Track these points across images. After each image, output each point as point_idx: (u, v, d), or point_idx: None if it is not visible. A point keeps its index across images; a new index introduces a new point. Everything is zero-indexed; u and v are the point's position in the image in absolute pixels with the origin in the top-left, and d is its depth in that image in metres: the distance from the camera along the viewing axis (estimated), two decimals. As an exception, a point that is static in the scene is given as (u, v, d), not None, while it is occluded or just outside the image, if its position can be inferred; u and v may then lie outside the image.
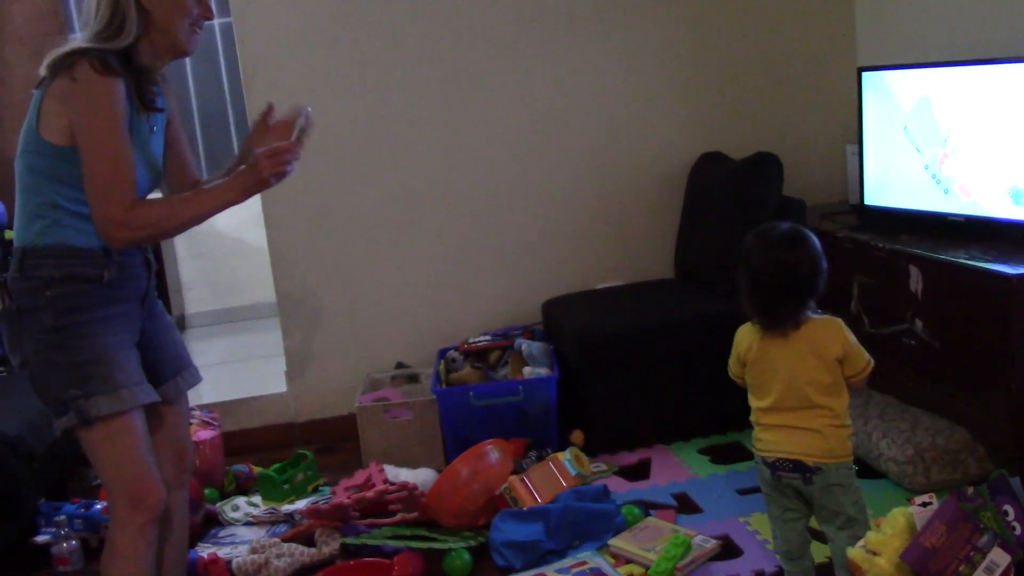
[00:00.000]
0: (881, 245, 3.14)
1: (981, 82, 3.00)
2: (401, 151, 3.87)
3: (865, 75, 3.43)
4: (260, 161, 2.15)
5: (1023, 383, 2.66)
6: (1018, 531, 2.01)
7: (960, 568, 1.97)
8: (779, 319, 2.26)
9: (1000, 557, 1.98)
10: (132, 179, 2.07)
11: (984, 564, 1.98)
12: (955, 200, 3.10)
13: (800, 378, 2.25)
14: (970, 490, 2.06)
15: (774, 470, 2.30)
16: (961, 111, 3.07)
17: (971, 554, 1.97)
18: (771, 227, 2.33)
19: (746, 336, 2.35)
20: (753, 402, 2.35)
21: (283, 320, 3.94)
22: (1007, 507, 2.02)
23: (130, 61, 2.12)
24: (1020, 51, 3.04)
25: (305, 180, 3.76)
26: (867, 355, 2.26)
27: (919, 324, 2.98)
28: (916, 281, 2.97)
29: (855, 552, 2.09)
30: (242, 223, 5.14)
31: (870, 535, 2.10)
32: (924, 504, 2.07)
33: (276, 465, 3.37)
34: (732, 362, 2.39)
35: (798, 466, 2.26)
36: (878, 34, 3.90)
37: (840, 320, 2.28)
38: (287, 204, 3.78)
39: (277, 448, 3.83)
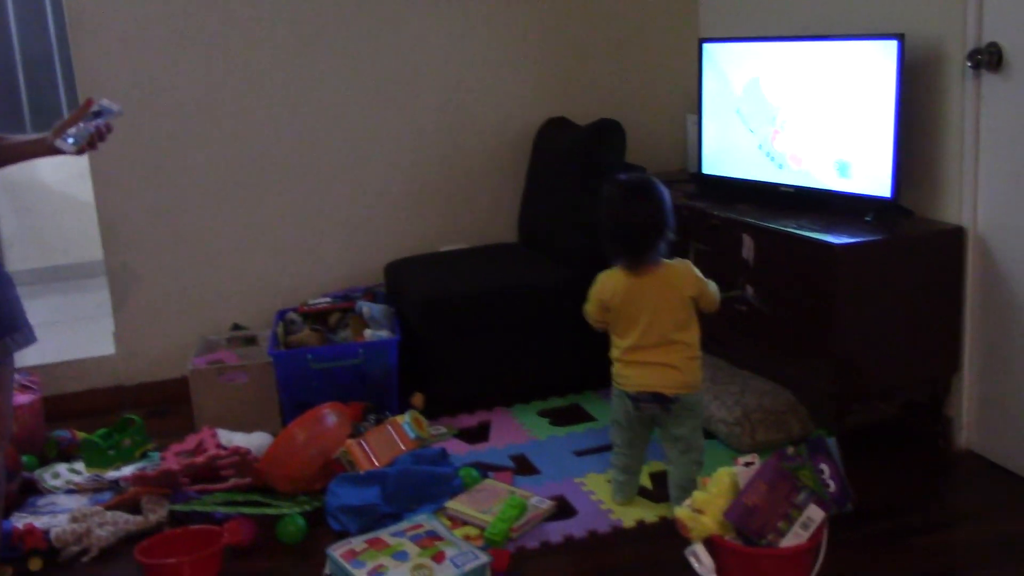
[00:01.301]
0: (716, 213, 3.22)
1: (808, 59, 3.10)
2: (239, 108, 3.73)
3: (705, 46, 3.50)
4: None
5: (844, 348, 2.79)
6: (832, 488, 2.11)
7: (779, 524, 2.05)
8: (643, 261, 2.55)
9: (815, 513, 2.07)
10: None
11: (801, 520, 2.07)
12: (788, 172, 3.21)
13: (661, 316, 2.54)
14: (790, 450, 2.15)
15: (636, 402, 2.59)
16: (790, 88, 3.17)
17: (789, 511, 2.06)
18: (629, 177, 2.65)
19: (609, 282, 2.61)
20: (616, 342, 2.62)
21: (111, 279, 3.75)
22: (823, 466, 2.12)
23: None
24: (845, 28, 3.16)
25: (136, 134, 3.59)
26: (713, 284, 2.60)
27: (750, 290, 3.08)
28: (748, 249, 3.06)
29: (682, 511, 2.16)
30: (69, 177, 4.87)
31: (696, 494, 2.17)
32: (747, 464, 2.15)
33: (101, 430, 3.23)
34: (593, 309, 2.64)
35: (658, 397, 2.55)
36: (720, 7, 3.98)
37: (688, 261, 2.64)
38: (116, 159, 3.59)
39: (105, 412, 3.65)
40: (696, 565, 2.10)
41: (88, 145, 2.23)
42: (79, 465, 3.17)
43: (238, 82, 3.71)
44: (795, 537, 2.06)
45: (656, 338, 2.55)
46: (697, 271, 2.59)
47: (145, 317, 3.78)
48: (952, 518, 2.72)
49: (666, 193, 2.59)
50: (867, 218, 2.91)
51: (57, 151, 2.21)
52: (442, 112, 3.94)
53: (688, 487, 2.53)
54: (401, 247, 3.92)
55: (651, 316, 2.54)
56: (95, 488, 3.02)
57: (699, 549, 2.10)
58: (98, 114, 2.25)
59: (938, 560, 2.46)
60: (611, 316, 2.62)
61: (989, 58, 2.70)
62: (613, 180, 2.63)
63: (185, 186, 3.73)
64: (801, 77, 3.13)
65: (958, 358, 2.93)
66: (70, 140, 2.20)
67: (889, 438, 3.10)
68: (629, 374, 2.60)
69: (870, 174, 2.92)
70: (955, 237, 2.85)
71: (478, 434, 3.32)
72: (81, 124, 2.21)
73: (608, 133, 3.58)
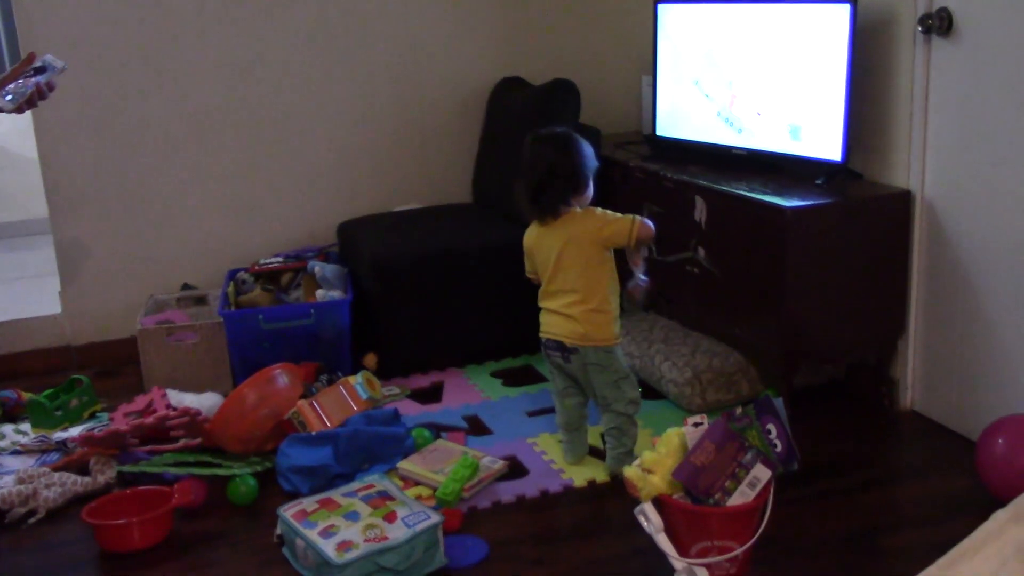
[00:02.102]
0: (669, 175, 3.23)
1: (762, 22, 3.10)
2: (188, 64, 3.65)
3: (661, 7, 3.49)
4: None
5: (793, 309, 2.82)
6: (779, 448, 2.14)
7: (726, 484, 2.08)
8: (539, 209, 2.61)
9: (762, 472, 2.11)
10: None
11: (747, 479, 2.10)
12: (746, 136, 3.22)
13: (564, 264, 2.60)
14: (738, 411, 2.18)
15: (546, 349, 2.69)
16: (744, 51, 3.17)
17: (736, 470, 2.09)
18: (545, 129, 2.71)
19: (530, 232, 2.69)
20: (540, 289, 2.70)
21: (57, 237, 3.68)
22: (770, 425, 2.15)
23: None
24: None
25: (81, 89, 3.51)
26: (627, 218, 2.59)
27: (702, 252, 3.10)
28: (700, 211, 3.08)
29: (631, 471, 2.18)
30: (10, 132, 4.77)
31: (646, 454, 2.19)
32: (696, 424, 2.17)
33: (48, 391, 3.19)
34: (525, 259, 2.71)
35: (559, 346, 2.64)
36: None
37: (595, 208, 2.64)
38: (60, 113, 3.51)
39: (51, 373, 3.60)
40: (645, 524, 2.12)
41: (27, 103, 2.18)
42: (25, 426, 3.13)
43: (187, 37, 3.63)
44: (742, 496, 2.09)
45: (559, 286, 2.62)
46: (604, 212, 2.62)
47: (92, 276, 3.72)
48: (896, 476, 2.78)
49: (583, 147, 2.63)
50: (818, 181, 2.93)
51: None
52: (396, 71, 3.89)
53: (616, 440, 2.67)
54: (354, 207, 3.89)
55: (555, 264, 2.61)
56: (42, 449, 2.98)
57: (648, 508, 2.12)
58: (41, 70, 2.19)
59: (882, 517, 2.51)
60: (532, 264, 2.72)
61: (939, 23, 2.72)
62: (530, 133, 2.69)
63: (133, 143, 3.66)
64: (755, 40, 3.14)
65: (904, 320, 2.98)
66: (8, 97, 2.15)
67: (835, 399, 3.15)
68: (543, 320, 2.70)
69: (822, 138, 2.94)
70: (903, 201, 2.89)
71: (431, 395, 3.33)
72: (21, 80, 2.15)
73: (562, 93, 3.56)
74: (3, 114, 2.21)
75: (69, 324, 3.75)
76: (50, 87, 2.24)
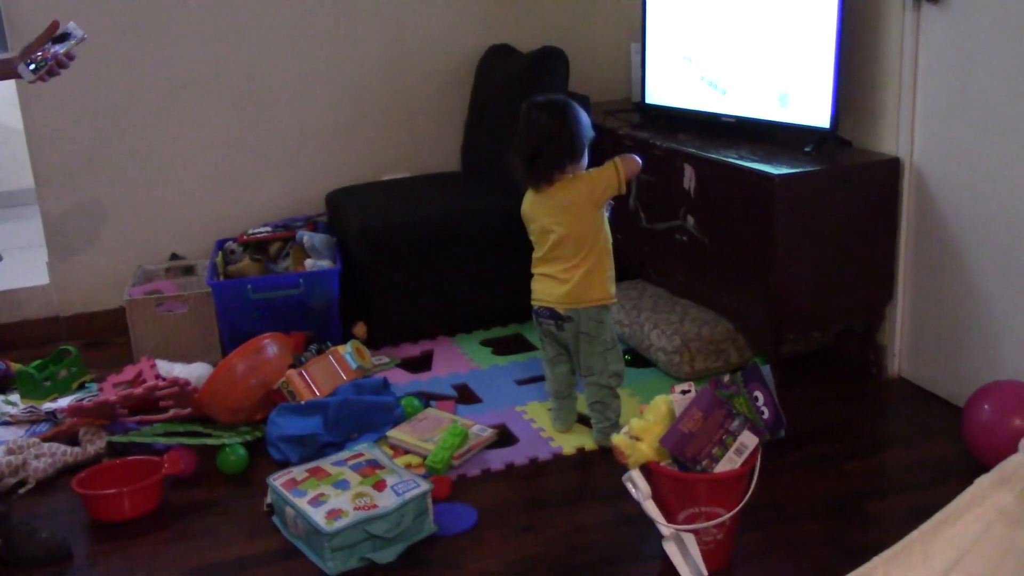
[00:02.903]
0: (658, 143, 3.22)
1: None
2: (174, 31, 3.62)
3: (650, -27, 3.46)
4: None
5: (781, 277, 2.82)
6: (766, 415, 2.15)
7: (713, 450, 2.09)
8: (533, 175, 2.60)
9: (749, 439, 2.11)
10: None
11: (735, 446, 2.10)
12: (735, 104, 3.20)
13: (555, 231, 2.59)
14: (726, 378, 2.18)
15: (537, 317, 2.69)
16: (733, 18, 3.14)
17: (723, 437, 2.10)
18: (542, 96, 2.67)
19: (526, 198, 2.69)
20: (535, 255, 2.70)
21: (43, 208, 3.66)
22: (757, 393, 2.15)
23: None
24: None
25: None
26: (609, 166, 2.60)
27: (691, 221, 3.10)
28: (689, 179, 3.07)
29: (619, 438, 2.19)
30: (-4, 103, 4.71)
31: (634, 421, 2.20)
32: (684, 392, 2.17)
33: (37, 361, 3.18)
34: (527, 226, 2.71)
35: (552, 314, 2.64)
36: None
37: (585, 171, 2.63)
38: (46, 84, 3.44)
39: (40, 344, 3.60)
40: (633, 491, 2.13)
41: (48, 73, 2.15)
42: (14, 397, 3.13)
43: (172, 6, 3.59)
44: (729, 463, 2.10)
45: (556, 252, 2.62)
46: (590, 173, 2.62)
47: (80, 247, 3.70)
48: (882, 442, 2.80)
49: (580, 114, 2.62)
50: (807, 148, 2.92)
51: (15, 75, 2.12)
52: (385, 39, 3.85)
53: (600, 414, 2.69)
54: (343, 176, 3.87)
55: (551, 231, 2.60)
56: (32, 420, 2.99)
57: (636, 475, 2.13)
58: (62, 38, 2.16)
59: (868, 483, 2.53)
60: (529, 231, 2.71)
61: (929, -11, 2.70)
62: (527, 100, 2.68)
63: (119, 113, 3.63)
64: (744, 6, 3.11)
65: (892, 287, 2.98)
66: (31, 67, 2.12)
67: (824, 366, 3.17)
68: (535, 288, 2.69)
69: (810, 105, 2.93)
70: (892, 168, 2.88)
71: (420, 364, 3.33)
72: (42, 50, 2.12)
73: (551, 61, 3.54)
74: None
75: (57, 295, 3.74)
76: (69, 56, 2.20)
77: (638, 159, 2.65)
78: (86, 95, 3.58)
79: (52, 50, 2.15)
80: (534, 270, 2.70)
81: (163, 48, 3.62)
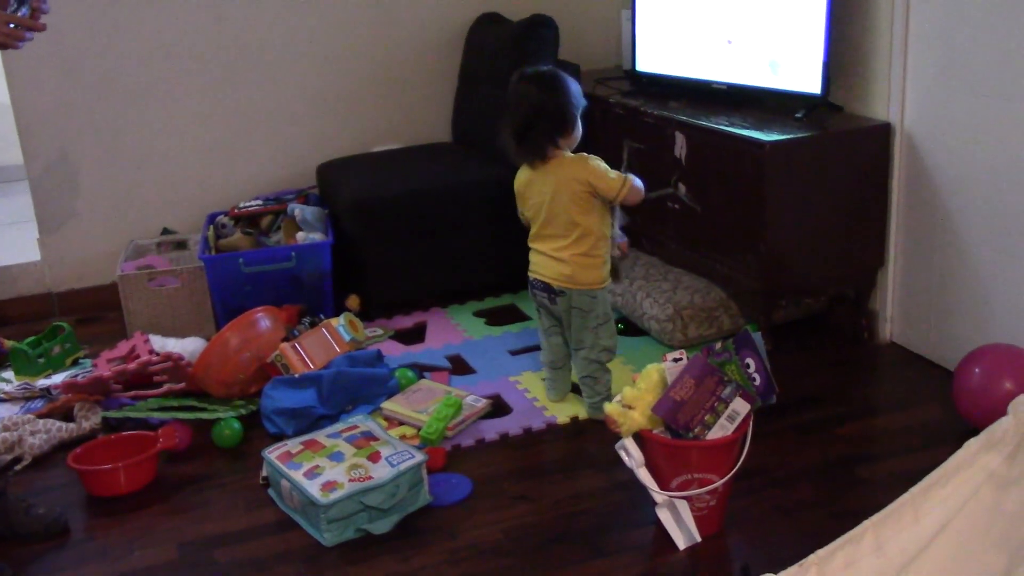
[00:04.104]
0: (649, 111, 3.21)
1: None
2: (163, 3, 3.58)
3: (639, -61, 3.43)
4: None
5: (772, 245, 2.83)
6: (757, 382, 2.16)
7: (705, 418, 2.10)
8: (525, 150, 2.57)
9: (741, 406, 2.12)
10: None
11: (727, 413, 2.12)
12: (726, 71, 3.19)
13: (554, 208, 2.57)
14: (718, 346, 2.19)
15: (532, 289, 2.70)
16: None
17: (715, 404, 2.11)
18: (532, 67, 2.63)
19: (520, 174, 2.66)
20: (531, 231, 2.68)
21: (33, 184, 3.64)
22: (749, 359, 2.16)
23: None
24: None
25: (50, 28, 3.39)
26: (617, 175, 2.55)
27: (682, 188, 3.09)
28: (681, 147, 3.06)
29: (612, 407, 2.20)
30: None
31: (626, 390, 2.21)
32: (676, 360, 2.18)
33: (30, 338, 3.18)
34: (517, 202, 2.68)
35: (546, 287, 2.65)
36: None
37: (587, 155, 2.57)
38: (32, 57, 3.44)
39: (33, 320, 3.60)
40: (626, 459, 2.15)
41: (8, 36, 2.09)
42: (8, 374, 3.13)
43: (158, -24, 3.57)
44: (721, 429, 2.11)
45: (550, 228, 2.60)
46: (597, 163, 2.57)
47: (71, 222, 3.69)
48: (874, 407, 2.82)
49: (570, 85, 2.57)
50: (798, 115, 2.92)
51: None
52: (374, 9, 3.82)
53: (591, 388, 2.70)
54: (334, 148, 3.85)
55: (546, 208, 2.58)
56: (26, 396, 2.99)
57: (629, 443, 2.14)
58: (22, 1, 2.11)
59: (860, 448, 2.55)
60: (523, 207, 2.68)
61: (920, -48, 2.69)
62: (516, 72, 2.64)
63: (108, 85, 3.60)
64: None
65: (884, 253, 2.99)
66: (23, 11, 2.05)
67: (816, 332, 3.18)
68: (532, 260, 2.69)
69: (801, 71, 2.92)
70: (883, 133, 2.88)
71: (414, 335, 3.33)
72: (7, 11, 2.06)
73: (541, 28, 3.51)
74: None
75: (49, 271, 3.73)
76: (37, 17, 2.14)
77: (643, 191, 2.60)
78: (72, 68, 3.55)
79: (20, 10, 2.09)
80: (531, 244, 2.70)
81: (152, 21, 3.59)
